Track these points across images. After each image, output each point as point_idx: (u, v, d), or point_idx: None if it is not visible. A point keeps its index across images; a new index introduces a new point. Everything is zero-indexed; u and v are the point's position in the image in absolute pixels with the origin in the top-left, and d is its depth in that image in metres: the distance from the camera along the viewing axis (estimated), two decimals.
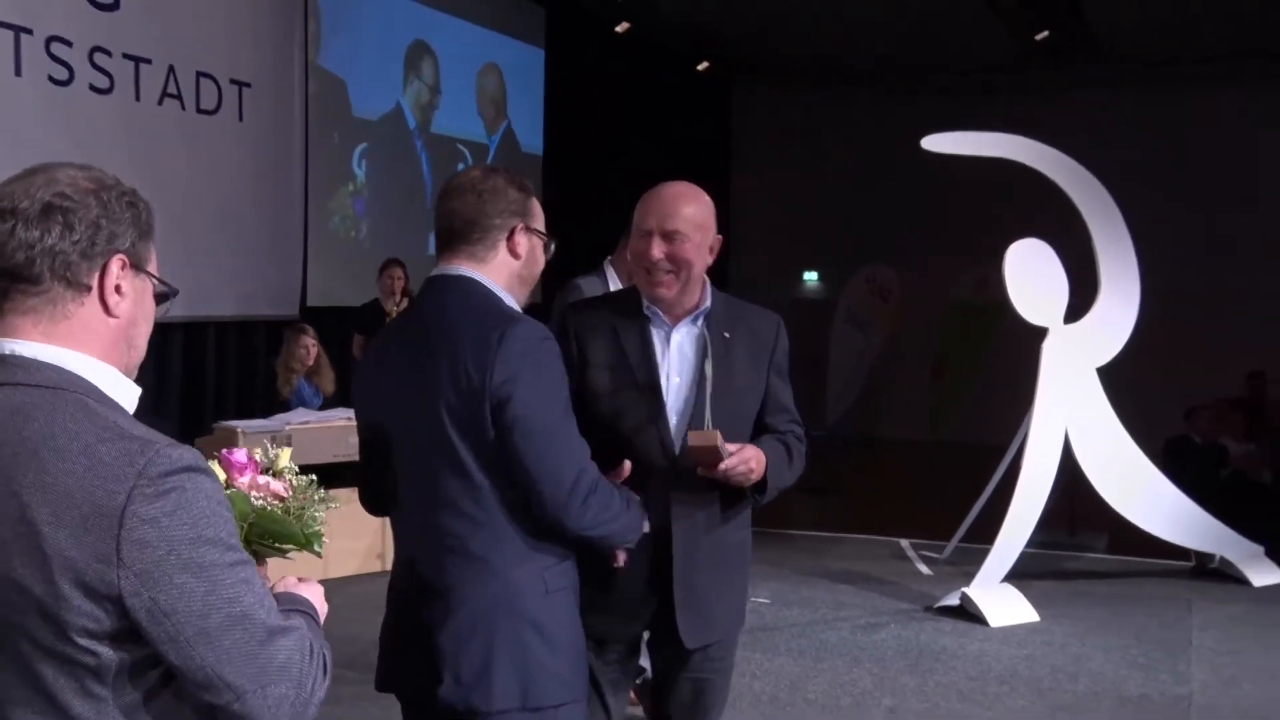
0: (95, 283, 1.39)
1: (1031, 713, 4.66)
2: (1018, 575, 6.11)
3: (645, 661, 2.90)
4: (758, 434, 2.66)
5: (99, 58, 6.65)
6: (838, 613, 6.00)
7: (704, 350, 2.57)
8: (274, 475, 1.68)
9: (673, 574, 2.55)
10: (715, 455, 2.44)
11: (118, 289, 1.40)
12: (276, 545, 1.62)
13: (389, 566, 2.40)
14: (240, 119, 7.68)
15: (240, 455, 1.65)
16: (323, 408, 6.95)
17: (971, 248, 9.95)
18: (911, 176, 11.34)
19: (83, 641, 1.29)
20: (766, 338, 2.69)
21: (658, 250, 2.55)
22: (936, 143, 6.54)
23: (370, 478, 2.33)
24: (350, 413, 6.65)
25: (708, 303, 2.63)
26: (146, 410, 1.45)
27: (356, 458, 2.36)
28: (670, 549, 2.54)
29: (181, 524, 1.28)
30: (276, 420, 6.44)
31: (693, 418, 2.55)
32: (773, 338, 2.70)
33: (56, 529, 1.26)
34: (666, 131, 12.28)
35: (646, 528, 2.42)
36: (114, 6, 6.73)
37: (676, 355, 2.60)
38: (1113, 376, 6.44)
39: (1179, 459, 7.92)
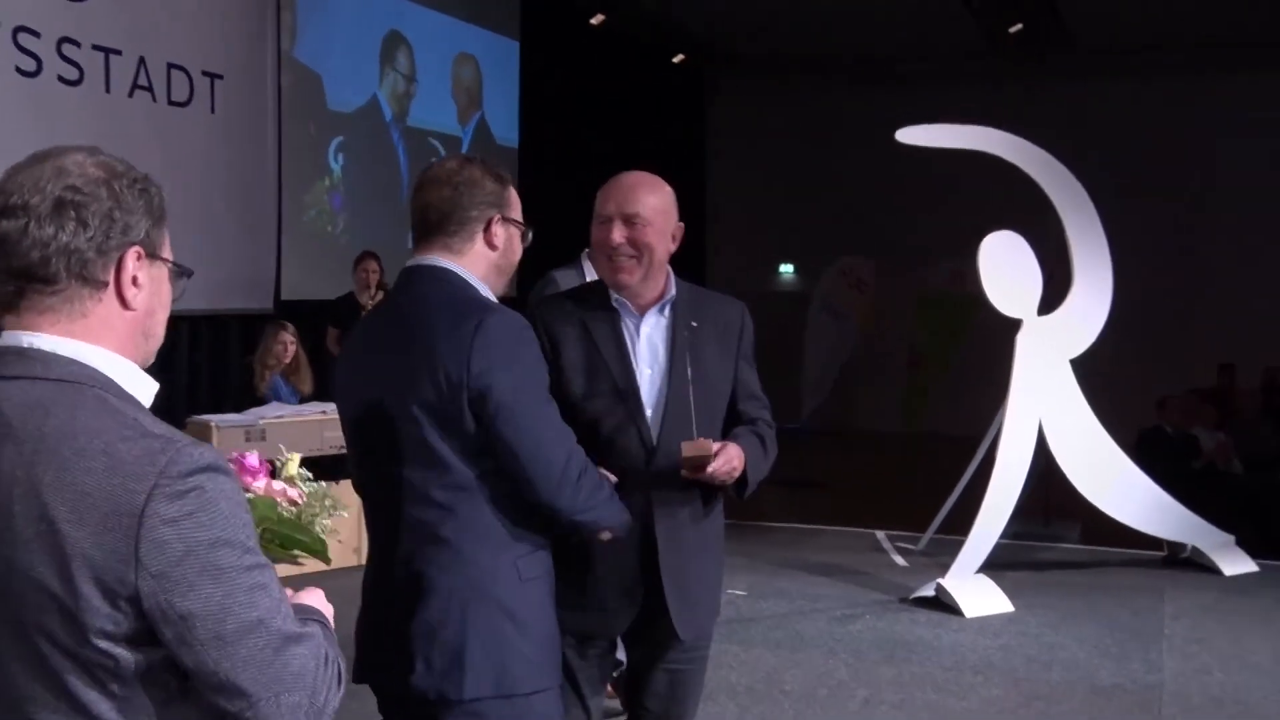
0: (111, 278, 1.36)
1: (1006, 702, 4.69)
2: (992, 566, 6.14)
3: (621, 654, 2.90)
4: (730, 421, 2.67)
5: (68, 49, 6.57)
6: (814, 604, 6.02)
7: (673, 343, 2.57)
8: (287, 481, 1.67)
9: (660, 567, 2.54)
10: (705, 462, 2.47)
11: (134, 281, 1.38)
12: (288, 550, 1.61)
13: (365, 560, 2.38)
14: (212, 111, 7.61)
15: (253, 459, 1.63)
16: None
17: (946, 240, 9.99)
18: (886, 169, 11.37)
19: (102, 644, 1.26)
20: (733, 325, 2.70)
21: (619, 235, 2.55)
22: (911, 135, 6.54)
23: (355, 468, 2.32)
24: (325, 407, 6.66)
25: (673, 291, 2.63)
26: None
27: (332, 452, 2.35)
28: (654, 543, 2.53)
29: (201, 525, 1.26)
30: (250, 415, 6.38)
31: (668, 410, 2.55)
32: (739, 325, 2.71)
33: (77, 528, 1.24)
34: (642, 124, 12.25)
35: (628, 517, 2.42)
36: None
37: (646, 348, 2.60)
38: (1086, 368, 6.48)
39: (1151, 450, 7.99)
